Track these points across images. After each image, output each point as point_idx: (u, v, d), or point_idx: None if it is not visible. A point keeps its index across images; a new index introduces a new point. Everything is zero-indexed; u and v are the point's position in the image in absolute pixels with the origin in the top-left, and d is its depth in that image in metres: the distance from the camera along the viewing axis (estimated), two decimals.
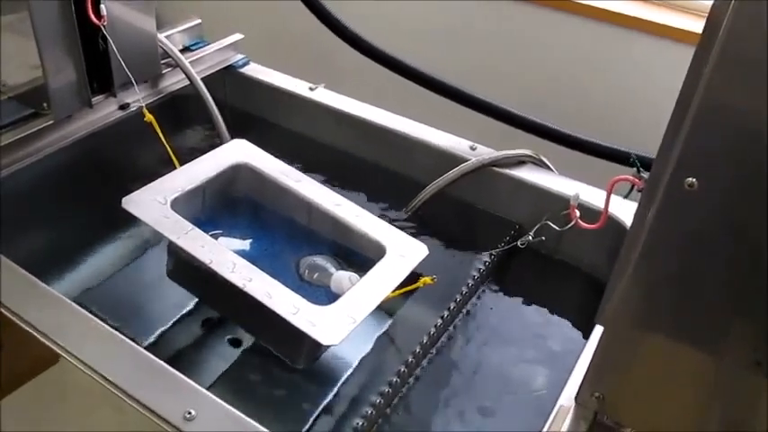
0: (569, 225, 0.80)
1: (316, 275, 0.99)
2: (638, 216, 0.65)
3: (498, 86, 1.31)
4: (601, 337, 0.64)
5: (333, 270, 0.98)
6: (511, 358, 1.01)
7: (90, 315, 0.82)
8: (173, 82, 1.31)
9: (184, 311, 1.07)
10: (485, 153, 1.14)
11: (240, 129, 1.25)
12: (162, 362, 0.78)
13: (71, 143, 1.13)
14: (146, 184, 1.00)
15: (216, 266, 0.90)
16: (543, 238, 0.93)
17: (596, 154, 1.08)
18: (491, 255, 1.08)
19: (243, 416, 0.72)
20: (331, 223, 1.03)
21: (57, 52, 1.03)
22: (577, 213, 0.77)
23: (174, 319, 1.06)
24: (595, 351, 0.65)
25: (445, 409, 0.94)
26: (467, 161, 1.14)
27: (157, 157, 1.24)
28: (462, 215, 1.17)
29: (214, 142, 1.34)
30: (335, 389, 0.94)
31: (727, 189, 0.49)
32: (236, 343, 1.04)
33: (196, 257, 0.91)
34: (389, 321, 1.05)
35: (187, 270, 1.01)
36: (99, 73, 1.12)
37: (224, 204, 1.10)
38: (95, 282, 1.11)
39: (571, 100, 1.81)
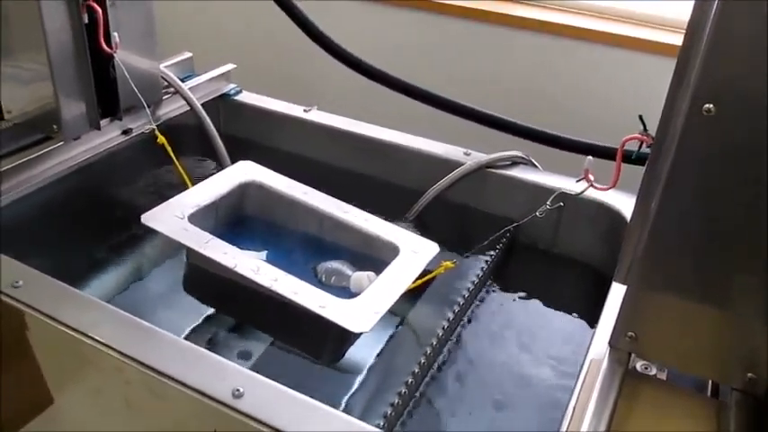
0: (584, 190, 0.85)
1: (334, 279, 1.02)
2: (645, 179, 0.70)
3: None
4: (628, 284, 0.69)
5: (350, 272, 1.01)
6: (520, 347, 1.05)
7: (126, 313, 0.83)
8: (169, 110, 1.34)
9: (187, 331, 1.08)
10: (479, 157, 1.20)
11: (237, 154, 1.28)
12: (203, 348, 0.79)
13: (79, 166, 1.16)
14: (155, 204, 1.03)
15: (241, 269, 0.93)
16: (561, 204, 0.98)
17: (578, 150, 1.15)
18: (495, 248, 1.13)
19: (287, 389, 0.74)
20: (342, 229, 1.07)
21: (69, 77, 1.07)
22: (592, 178, 0.82)
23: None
24: (624, 296, 0.70)
25: (464, 405, 0.97)
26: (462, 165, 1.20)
27: (163, 180, 1.26)
28: (461, 216, 1.22)
29: (213, 167, 1.38)
30: (353, 389, 0.96)
31: (742, 111, 0.55)
32: (245, 356, 1.05)
33: (220, 263, 0.94)
34: (398, 321, 1.08)
35: (204, 280, 1.03)
36: (105, 98, 1.15)
37: (236, 220, 1.13)
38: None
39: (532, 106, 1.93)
